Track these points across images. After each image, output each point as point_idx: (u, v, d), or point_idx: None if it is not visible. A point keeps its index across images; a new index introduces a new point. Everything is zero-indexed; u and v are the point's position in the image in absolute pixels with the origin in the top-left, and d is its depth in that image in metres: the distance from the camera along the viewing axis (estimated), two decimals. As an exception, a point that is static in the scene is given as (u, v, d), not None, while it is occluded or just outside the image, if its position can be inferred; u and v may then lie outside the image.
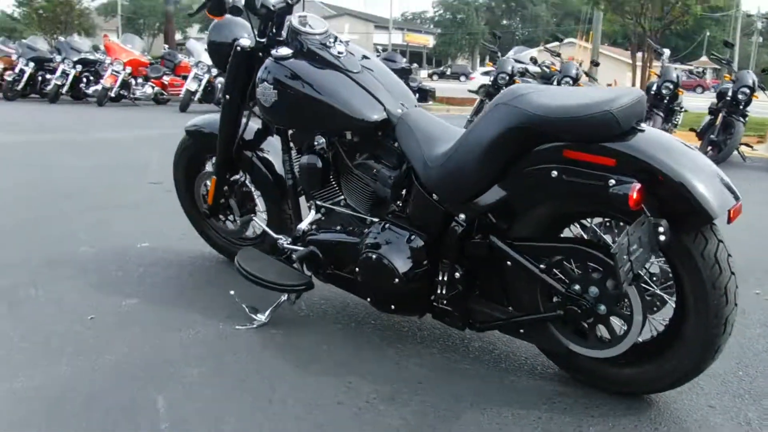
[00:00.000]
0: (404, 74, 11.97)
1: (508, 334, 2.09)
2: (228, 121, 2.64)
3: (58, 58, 12.93)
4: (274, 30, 2.47)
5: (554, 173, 1.74)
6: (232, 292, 2.55)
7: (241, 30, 2.59)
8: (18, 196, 4.42)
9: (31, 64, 13.11)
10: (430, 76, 43.15)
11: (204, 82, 11.69)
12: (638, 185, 1.59)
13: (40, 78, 13.23)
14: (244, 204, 2.86)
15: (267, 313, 2.40)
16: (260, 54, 2.46)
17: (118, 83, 12.23)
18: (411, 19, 64.89)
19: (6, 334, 2.24)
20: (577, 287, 1.84)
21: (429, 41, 53.76)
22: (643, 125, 1.73)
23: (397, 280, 2.06)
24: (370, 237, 2.15)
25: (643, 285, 1.92)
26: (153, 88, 12.87)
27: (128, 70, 12.50)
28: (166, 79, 13.28)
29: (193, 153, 2.96)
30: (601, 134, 1.68)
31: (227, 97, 2.59)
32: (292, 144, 2.50)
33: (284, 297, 2.44)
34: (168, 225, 3.63)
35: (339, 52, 2.27)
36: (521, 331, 2.00)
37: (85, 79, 12.84)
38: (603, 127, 1.66)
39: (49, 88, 12.67)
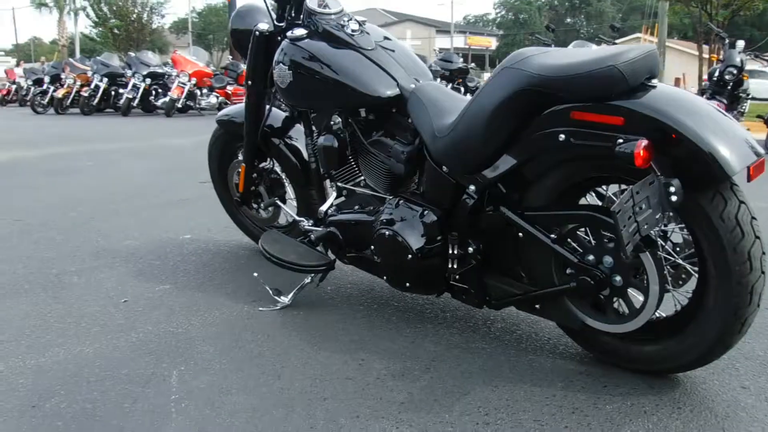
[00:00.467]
0: (461, 74, 11.91)
1: (524, 311, 2.03)
2: (252, 108, 2.68)
3: (129, 72, 13.51)
4: (293, 14, 2.49)
5: (562, 137, 1.68)
6: (255, 274, 2.58)
7: (262, 16, 2.62)
8: (82, 198, 4.62)
9: (105, 80, 13.75)
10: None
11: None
12: (645, 141, 1.51)
13: (113, 92, 13.84)
14: (273, 191, 2.89)
15: (290, 295, 2.42)
16: (279, 38, 2.49)
17: (184, 94, 12.66)
18: (473, 22, 64.29)
19: (43, 315, 2.34)
20: (591, 257, 1.77)
21: (491, 43, 53.18)
22: (655, 81, 1.65)
23: (410, 256, 2.04)
24: (384, 214, 2.14)
25: (666, 255, 1.83)
26: (217, 97, 13.25)
27: (193, 81, 12.92)
28: (229, 88, 13.65)
29: (224, 143, 3.03)
30: (607, 91, 1.61)
31: (249, 83, 2.63)
32: (314, 127, 2.51)
33: (308, 279, 2.46)
34: (212, 219, 3.75)
35: (353, 30, 2.28)
36: (537, 306, 1.94)
37: (154, 92, 13.35)
38: (608, 83, 1.59)
39: (121, 101, 13.24)
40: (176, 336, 2.16)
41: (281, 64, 2.34)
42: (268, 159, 2.87)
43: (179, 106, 12.73)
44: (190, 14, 44.11)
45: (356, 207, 2.35)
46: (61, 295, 2.55)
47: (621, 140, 1.55)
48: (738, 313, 1.62)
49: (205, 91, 13.23)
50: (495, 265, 2.02)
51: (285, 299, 2.41)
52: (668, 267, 1.85)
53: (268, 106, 2.69)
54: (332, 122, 2.36)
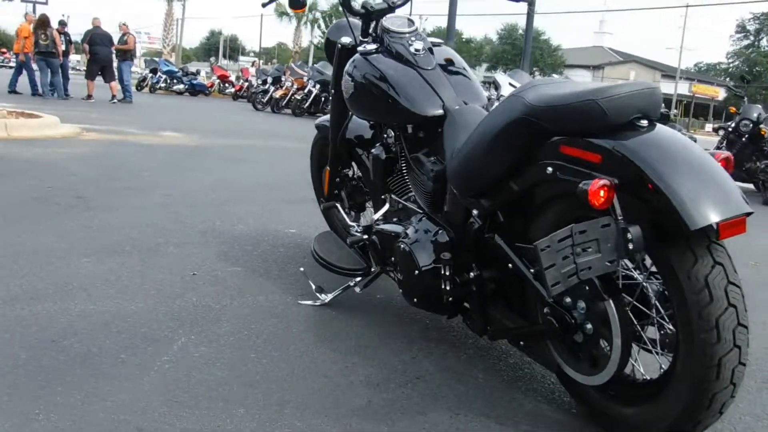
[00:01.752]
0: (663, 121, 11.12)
1: (513, 346, 1.95)
2: (335, 115, 2.82)
3: (340, 82, 14.47)
4: (377, 31, 2.59)
5: (549, 170, 1.62)
6: (302, 269, 2.71)
7: (354, 30, 2.76)
8: (231, 184, 5.11)
9: (318, 86, 14.85)
10: (716, 130, 39.08)
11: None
12: (603, 181, 1.40)
13: (323, 98, 14.90)
14: (353, 197, 3.01)
15: (330, 295, 2.52)
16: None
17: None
18: (705, 70, 59.28)
19: (119, 273, 2.67)
20: (568, 299, 1.67)
21: (718, 93, 48.70)
22: (644, 122, 1.51)
23: (416, 272, 2.05)
24: (407, 228, 2.17)
25: (649, 309, 1.67)
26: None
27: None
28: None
29: (322, 147, 3.21)
30: (585, 126, 1.52)
31: (333, 91, 2.78)
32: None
33: (352, 283, 2.54)
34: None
35: (416, 50, 2.33)
36: (521, 343, 1.86)
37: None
38: (587, 118, 1.51)
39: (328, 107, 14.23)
40: (209, 310, 2.36)
41: (347, 75, 2.46)
42: (352, 165, 2.99)
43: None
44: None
45: (396, 219, 2.39)
46: (149, 260, 2.89)
47: (587, 179, 1.46)
48: (704, 386, 1.43)
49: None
50: (498, 294, 1.96)
51: (325, 297, 2.52)
52: (655, 326, 1.67)
53: (351, 114, 2.81)
54: (385, 135, 2.42)
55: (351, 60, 2.50)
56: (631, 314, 1.60)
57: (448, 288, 1.98)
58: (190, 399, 1.72)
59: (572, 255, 1.41)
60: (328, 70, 14.67)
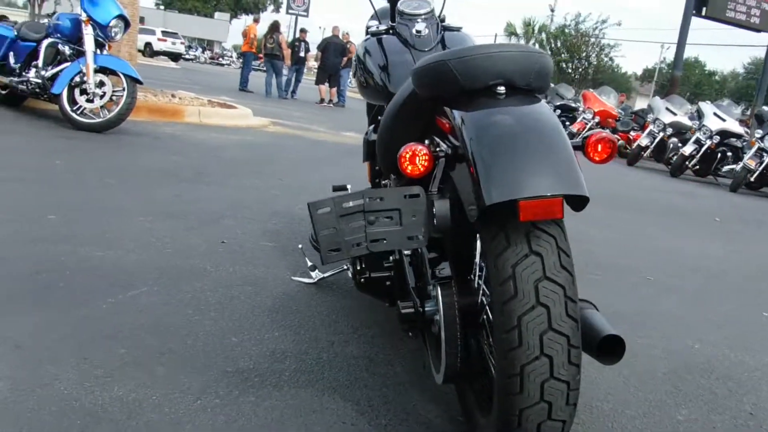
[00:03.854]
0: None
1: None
2: (369, 106, 2.83)
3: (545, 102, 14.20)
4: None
5: (429, 145, 1.51)
6: (300, 246, 2.75)
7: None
8: (352, 178, 5.29)
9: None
10: None
11: (657, 140, 11.31)
12: (416, 147, 1.30)
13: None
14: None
15: (320, 276, 2.54)
16: None
17: (585, 130, 12.76)
18: None
19: (174, 231, 2.94)
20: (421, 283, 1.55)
21: None
22: (502, 89, 1.35)
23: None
24: None
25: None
26: (618, 140, 12.99)
27: (596, 119, 12.90)
28: (632, 134, 13.20)
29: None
30: (444, 90, 1.41)
31: None
32: None
33: (346, 266, 2.53)
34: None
35: (417, 31, 2.28)
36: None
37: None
38: (441, 81, 1.39)
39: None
40: (203, 272, 2.50)
41: (354, 56, 2.48)
42: None
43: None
44: (658, 64, 43.24)
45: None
46: (196, 227, 3.12)
47: None
48: (508, 399, 1.23)
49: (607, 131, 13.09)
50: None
51: (313, 276, 2.55)
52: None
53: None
54: (378, 116, 2.39)
55: (362, 41, 2.51)
56: (457, 309, 1.42)
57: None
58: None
59: (366, 223, 1.30)
60: (568, 94, 14.46)
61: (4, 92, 6.68)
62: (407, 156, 1.30)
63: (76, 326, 1.89)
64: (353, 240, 1.31)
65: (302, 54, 15.10)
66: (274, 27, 14.63)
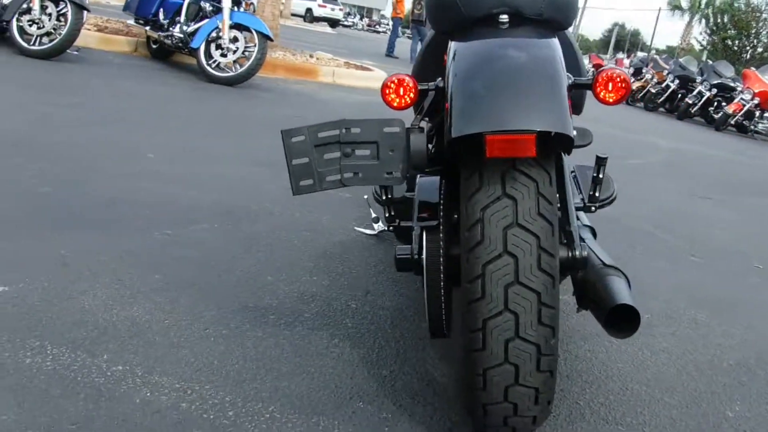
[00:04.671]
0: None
1: None
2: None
3: (699, 79, 13.07)
4: None
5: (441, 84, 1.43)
6: (365, 197, 2.70)
7: None
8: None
9: (677, 81, 13.63)
10: None
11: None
12: (398, 78, 1.21)
13: (679, 95, 13.64)
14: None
15: (383, 228, 2.50)
16: None
17: (742, 112, 11.63)
18: None
19: (219, 179, 3.03)
20: None
21: None
22: (506, 18, 1.22)
23: None
24: None
25: None
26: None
27: (756, 101, 11.70)
28: (804, 120, 11.84)
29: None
30: (449, 23, 1.31)
31: None
32: None
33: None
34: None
35: None
36: None
37: (716, 103, 12.63)
38: (444, 10, 1.30)
39: (681, 106, 13.01)
40: (270, 215, 2.55)
41: None
42: None
43: (732, 122, 11.77)
44: None
45: None
46: (286, 176, 3.18)
47: None
48: (472, 356, 1.14)
49: (767, 114, 11.83)
50: None
51: (375, 228, 2.52)
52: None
53: None
54: None
55: None
56: (442, 257, 1.32)
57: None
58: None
59: (340, 154, 1.23)
60: (692, 66, 13.49)
61: (155, 46, 7.18)
62: (391, 86, 1.21)
63: (126, 251, 1.98)
64: (327, 172, 1.25)
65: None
66: (425, -8, 14.59)
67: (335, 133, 1.23)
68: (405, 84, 1.22)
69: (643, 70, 15.46)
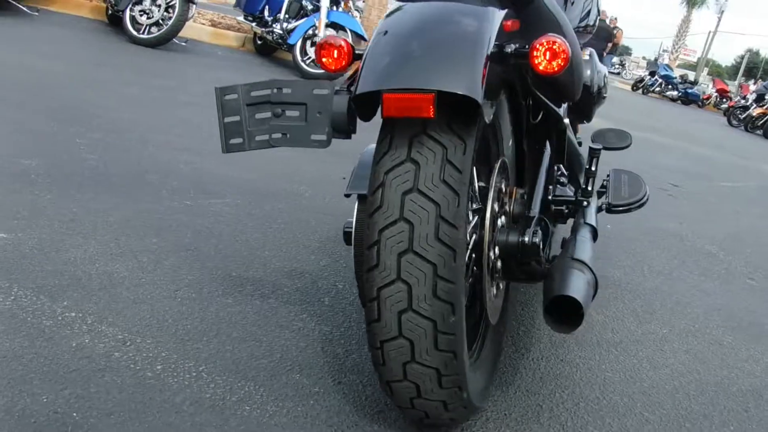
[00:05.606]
0: None
1: None
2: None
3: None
4: None
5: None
6: None
7: None
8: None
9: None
10: None
11: None
12: (332, 41, 1.17)
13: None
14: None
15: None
16: None
17: None
18: None
19: (289, 164, 3.07)
20: None
21: None
22: None
23: None
24: None
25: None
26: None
27: None
28: None
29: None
30: None
31: None
32: None
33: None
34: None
35: None
36: None
37: None
38: None
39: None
40: (298, 195, 2.57)
41: None
42: None
43: None
44: None
45: None
46: (332, 162, 3.20)
47: None
48: (370, 327, 1.08)
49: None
50: None
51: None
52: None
53: None
54: None
55: None
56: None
57: None
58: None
59: (271, 114, 1.20)
60: None
61: (260, 42, 7.46)
62: (324, 46, 1.17)
63: (135, 215, 2.05)
64: (256, 131, 1.22)
65: (567, 36, 14.56)
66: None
67: (267, 92, 1.21)
68: (338, 46, 1.17)
69: (766, 97, 14.48)
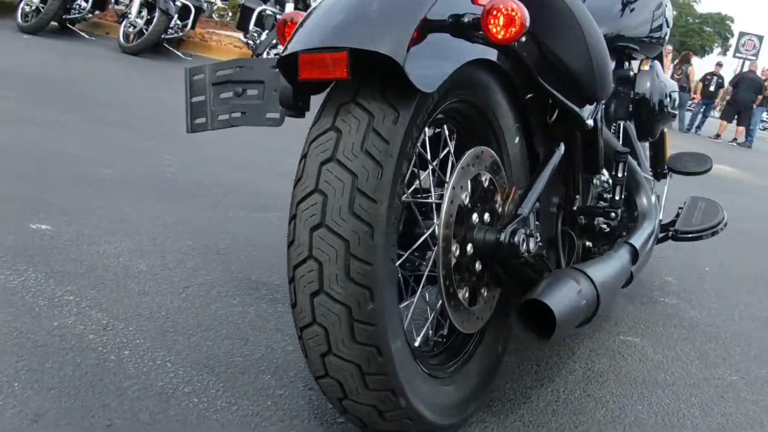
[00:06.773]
0: None
1: None
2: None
3: None
4: None
5: None
6: None
7: None
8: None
9: None
10: None
11: None
12: (288, 17, 1.12)
13: None
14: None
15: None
16: None
17: None
18: None
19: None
20: None
21: None
22: None
23: None
24: None
25: None
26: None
27: None
28: None
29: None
30: None
31: None
32: None
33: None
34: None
35: None
36: None
37: None
38: None
39: None
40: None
41: None
42: None
43: None
44: None
45: None
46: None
47: None
48: (292, 311, 0.98)
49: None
50: None
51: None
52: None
53: None
54: None
55: None
56: None
57: None
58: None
59: (233, 94, 1.15)
60: None
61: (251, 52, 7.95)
62: (283, 25, 1.12)
63: (185, 221, 2.09)
64: (219, 111, 1.18)
65: (712, 88, 13.61)
66: (685, 58, 13.56)
67: (230, 71, 1.18)
68: (296, 22, 1.12)
69: None
